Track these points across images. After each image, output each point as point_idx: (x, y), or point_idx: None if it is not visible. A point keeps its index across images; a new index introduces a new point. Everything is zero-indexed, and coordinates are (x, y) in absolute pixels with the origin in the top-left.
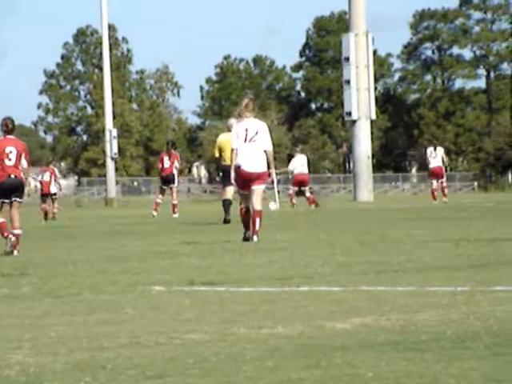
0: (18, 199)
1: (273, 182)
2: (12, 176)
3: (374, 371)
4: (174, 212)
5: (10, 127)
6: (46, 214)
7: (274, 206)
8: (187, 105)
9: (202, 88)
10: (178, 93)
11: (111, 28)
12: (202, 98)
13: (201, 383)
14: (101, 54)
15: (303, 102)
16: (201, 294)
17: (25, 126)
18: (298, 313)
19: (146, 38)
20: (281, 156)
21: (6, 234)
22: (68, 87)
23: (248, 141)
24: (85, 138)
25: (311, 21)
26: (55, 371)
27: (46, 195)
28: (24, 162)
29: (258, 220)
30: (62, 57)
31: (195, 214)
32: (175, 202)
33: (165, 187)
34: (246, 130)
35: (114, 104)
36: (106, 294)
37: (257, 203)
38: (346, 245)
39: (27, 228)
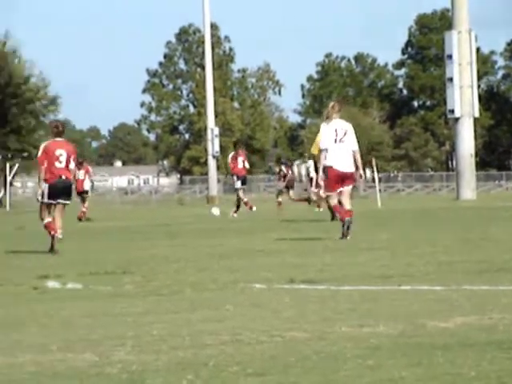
0: (62, 201)
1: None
2: (63, 177)
3: (476, 370)
4: (250, 208)
5: (60, 130)
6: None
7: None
8: (288, 103)
9: (303, 86)
10: (280, 91)
11: (213, 27)
12: (303, 96)
13: (301, 381)
14: (203, 52)
15: (405, 100)
16: (301, 292)
17: (128, 125)
18: (399, 311)
19: (248, 36)
20: (382, 154)
21: (52, 233)
22: (170, 86)
23: (338, 141)
24: (187, 136)
25: (414, 18)
26: (157, 369)
27: (79, 193)
28: (72, 164)
29: (347, 218)
30: (165, 56)
31: (296, 212)
32: (246, 199)
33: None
34: (336, 131)
35: (215, 103)
36: (207, 292)
37: (347, 203)
38: (447, 243)
39: (130, 226)
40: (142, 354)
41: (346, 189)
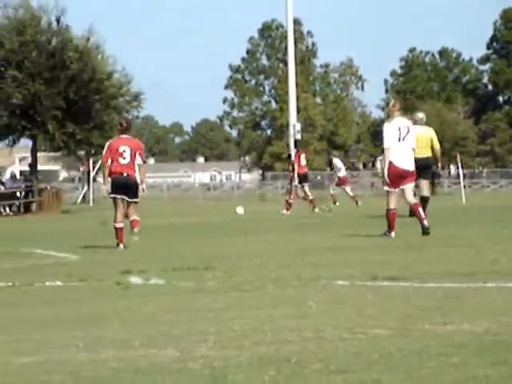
0: (127, 198)
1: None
2: (124, 174)
3: None
4: (314, 207)
5: (124, 126)
6: None
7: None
8: (371, 98)
9: (386, 81)
10: (362, 86)
11: (296, 22)
12: (387, 91)
13: (384, 378)
14: (286, 48)
15: (490, 95)
16: (384, 289)
17: (210, 121)
18: (484, 309)
19: (331, 31)
20: (467, 150)
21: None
22: (253, 82)
23: (402, 139)
24: (269, 132)
25: (499, 13)
26: (239, 364)
27: None
28: (139, 160)
29: (420, 209)
30: (248, 51)
31: (377, 208)
32: (312, 197)
33: (301, 185)
34: (399, 130)
35: (298, 98)
36: (289, 288)
37: (411, 198)
38: None
39: (212, 222)
40: (223, 350)
41: (408, 186)
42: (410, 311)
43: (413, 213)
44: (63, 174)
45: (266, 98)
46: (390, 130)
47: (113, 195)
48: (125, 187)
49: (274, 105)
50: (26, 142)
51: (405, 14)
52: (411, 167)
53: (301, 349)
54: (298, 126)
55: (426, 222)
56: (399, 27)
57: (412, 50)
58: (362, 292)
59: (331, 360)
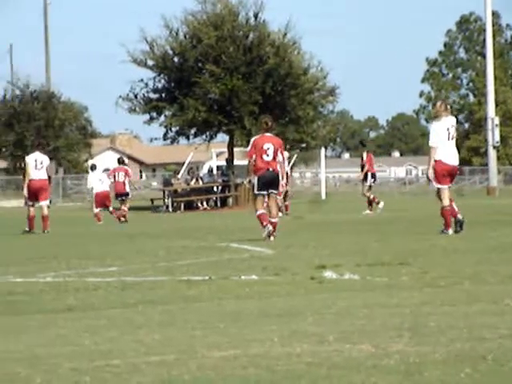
0: (274, 191)
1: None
2: (270, 170)
3: None
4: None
5: (268, 125)
6: (119, 217)
7: None
8: None
9: None
10: None
11: (495, 15)
12: None
13: None
14: (484, 41)
15: None
16: None
17: (406, 115)
18: None
19: None
20: None
21: (264, 224)
22: (450, 75)
23: (450, 138)
24: (466, 126)
25: None
26: (435, 361)
27: (118, 196)
28: (280, 157)
29: (453, 204)
30: (445, 45)
31: None
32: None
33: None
34: (448, 129)
35: (496, 92)
36: (486, 285)
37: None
38: None
39: (407, 217)
40: (419, 346)
41: (450, 185)
42: None
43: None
44: None
45: (463, 91)
46: (438, 129)
47: (260, 192)
48: (271, 182)
49: (471, 98)
50: (222, 137)
51: None
52: (457, 164)
53: (497, 346)
54: (497, 120)
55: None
56: None
57: None
58: None
59: None
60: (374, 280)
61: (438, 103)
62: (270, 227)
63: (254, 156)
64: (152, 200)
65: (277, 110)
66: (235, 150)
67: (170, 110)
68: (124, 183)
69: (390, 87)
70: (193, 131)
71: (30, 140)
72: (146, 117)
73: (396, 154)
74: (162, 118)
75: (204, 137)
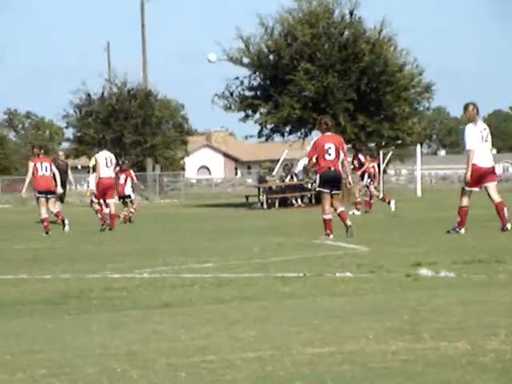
0: (336, 191)
1: None
2: (332, 169)
3: None
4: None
5: (328, 125)
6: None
7: None
8: None
9: None
10: None
11: None
12: None
13: None
14: None
15: None
16: None
17: (503, 111)
18: None
19: None
20: None
21: (328, 232)
22: None
23: (484, 141)
24: None
25: None
26: None
27: (121, 198)
28: (342, 156)
29: (505, 209)
30: None
31: None
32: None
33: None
34: (481, 132)
35: None
36: None
37: (496, 196)
38: None
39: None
40: None
41: (491, 184)
42: None
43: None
44: None
45: None
46: (473, 133)
47: (320, 189)
48: (334, 181)
49: None
50: (317, 135)
51: None
52: (492, 165)
53: None
54: None
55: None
56: None
57: None
58: None
59: None
60: (471, 277)
61: (471, 107)
62: (331, 236)
63: (314, 157)
64: (247, 197)
65: (372, 107)
66: None
67: (265, 108)
68: (124, 186)
69: (485, 83)
70: (287, 128)
71: (128, 138)
72: (242, 114)
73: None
74: (257, 115)
75: (299, 134)
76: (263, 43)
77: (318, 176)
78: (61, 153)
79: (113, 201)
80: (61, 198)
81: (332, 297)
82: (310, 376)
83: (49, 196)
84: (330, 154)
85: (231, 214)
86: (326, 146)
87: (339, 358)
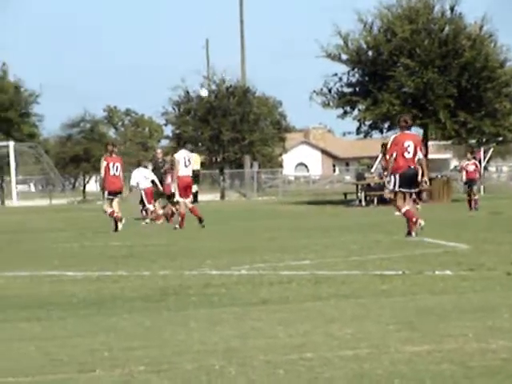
0: (412, 190)
1: None
2: (411, 167)
3: None
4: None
5: (408, 123)
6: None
7: None
8: None
9: None
10: None
11: None
12: None
13: None
14: None
15: None
16: None
17: None
18: None
19: None
20: None
21: (415, 219)
22: None
23: None
24: None
25: None
26: None
27: (168, 196)
28: (420, 155)
29: None
30: None
31: None
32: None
33: None
34: None
35: None
36: None
37: None
38: None
39: None
40: None
41: None
42: None
43: None
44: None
45: None
46: None
47: (400, 189)
48: (412, 180)
49: None
50: (416, 131)
51: None
52: None
53: None
54: None
55: None
56: None
57: None
58: None
59: None
60: None
61: None
62: (422, 222)
63: (394, 154)
64: (345, 194)
65: (473, 103)
66: (429, 143)
67: (364, 104)
68: (171, 184)
69: None
70: (386, 125)
71: (225, 135)
72: (340, 111)
73: None
74: (356, 111)
75: (397, 130)
76: (362, 39)
77: (396, 175)
78: (159, 150)
79: (187, 200)
80: (165, 195)
81: (431, 295)
82: (408, 375)
83: (117, 196)
84: (408, 152)
85: (329, 211)
86: (406, 144)
87: (438, 356)
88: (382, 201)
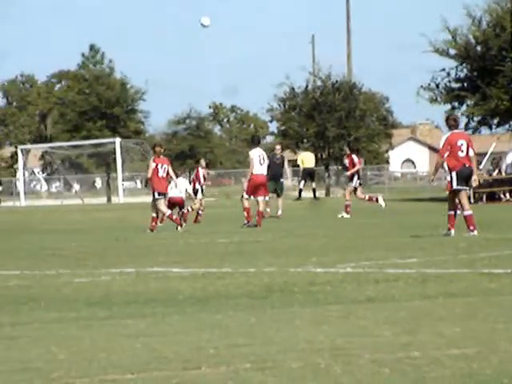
0: (466, 188)
1: None
2: (466, 165)
3: None
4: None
5: (457, 122)
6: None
7: None
8: None
9: None
10: None
11: None
12: None
13: None
14: None
15: None
16: None
17: None
18: None
19: None
20: None
21: (472, 228)
22: None
23: None
24: None
25: None
26: None
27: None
28: (471, 152)
29: None
30: None
31: None
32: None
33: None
34: None
35: None
36: None
37: None
38: None
39: None
40: None
41: None
42: None
43: None
44: None
45: None
46: None
47: (458, 187)
48: (468, 177)
49: None
50: None
51: None
52: None
53: None
54: None
55: None
56: None
57: None
58: None
59: None
60: None
61: None
62: (476, 232)
63: (446, 153)
64: None
65: None
66: None
67: (472, 100)
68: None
69: None
70: (495, 121)
71: (331, 131)
72: (448, 106)
73: None
74: (464, 107)
75: (507, 126)
76: (471, 34)
77: (454, 174)
78: (278, 146)
79: (263, 198)
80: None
81: None
82: None
83: (165, 197)
84: (462, 151)
85: (436, 208)
86: (459, 143)
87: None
88: (491, 198)
